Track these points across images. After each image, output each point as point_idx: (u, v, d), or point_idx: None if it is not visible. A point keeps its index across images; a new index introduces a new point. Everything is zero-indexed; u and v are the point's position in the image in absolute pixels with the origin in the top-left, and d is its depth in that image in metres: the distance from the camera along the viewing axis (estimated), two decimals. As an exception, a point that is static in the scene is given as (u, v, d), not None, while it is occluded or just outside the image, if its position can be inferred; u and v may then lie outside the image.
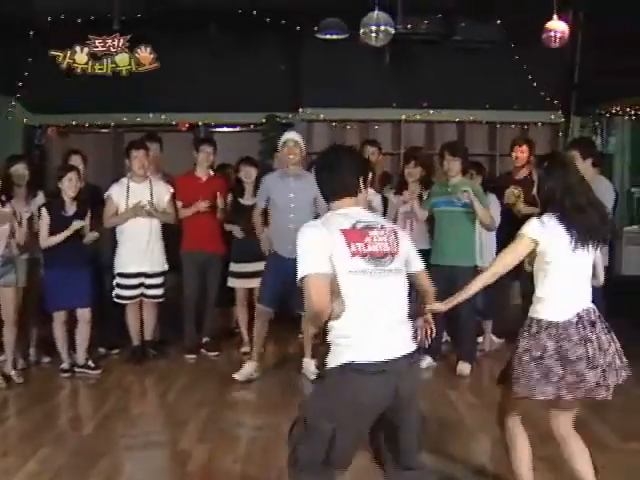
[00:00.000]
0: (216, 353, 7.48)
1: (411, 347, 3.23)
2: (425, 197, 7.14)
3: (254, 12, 9.35)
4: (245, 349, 7.31)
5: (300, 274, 3.10)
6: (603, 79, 9.41)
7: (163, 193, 7.18)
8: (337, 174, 3.37)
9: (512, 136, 9.44)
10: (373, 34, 8.04)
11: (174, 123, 10.71)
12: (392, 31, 8.07)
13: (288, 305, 6.62)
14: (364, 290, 3.13)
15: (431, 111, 10.73)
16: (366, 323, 3.11)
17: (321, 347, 6.50)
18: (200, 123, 10.79)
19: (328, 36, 9.34)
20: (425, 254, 6.79)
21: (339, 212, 3.30)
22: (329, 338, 3.20)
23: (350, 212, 3.30)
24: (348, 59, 9.89)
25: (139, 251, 7.03)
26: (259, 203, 6.77)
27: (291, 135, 6.64)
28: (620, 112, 10.52)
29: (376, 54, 9.48)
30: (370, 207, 7.46)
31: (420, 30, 9.70)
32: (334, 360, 3.14)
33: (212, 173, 7.51)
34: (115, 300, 7.19)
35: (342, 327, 3.13)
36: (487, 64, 10.18)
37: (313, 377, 6.58)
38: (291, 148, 6.49)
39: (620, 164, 11.15)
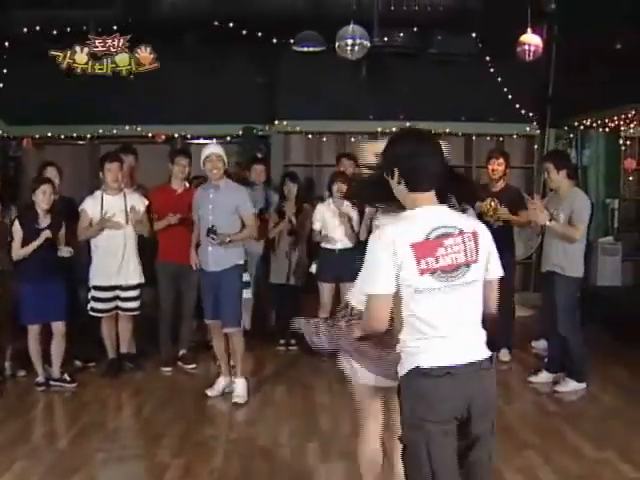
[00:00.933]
0: (193, 366, 7.45)
1: (482, 354, 3.01)
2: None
3: (231, 24, 9.35)
4: (220, 364, 7.27)
5: (363, 290, 2.98)
6: (577, 92, 9.50)
7: (138, 205, 7.16)
8: (423, 159, 3.00)
9: (488, 148, 9.54)
10: (349, 47, 8.10)
11: (150, 135, 10.69)
12: (368, 44, 8.13)
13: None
14: (431, 307, 2.90)
15: (407, 123, 10.72)
16: (432, 335, 2.91)
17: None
18: (176, 135, 10.78)
19: (305, 49, 9.37)
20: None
21: (417, 213, 2.97)
22: (397, 349, 3.01)
23: (429, 213, 2.97)
24: (325, 71, 9.92)
25: (114, 264, 7.01)
26: (194, 217, 6.72)
27: (214, 149, 6.49)
28: (594, 125, 10.62)
29: (352, 67, 9.50)
30: (349, 222, 7.53)
31: (396, 43, 9.74)
32: (402, 369, 2.97)
33: (187, 185, 7.49)
34: (90, 313, 7.15)
35: (407, 340, 2.95)
36: (463, 77, 10.23)
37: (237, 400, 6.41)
38: (214, 162, 6.38)
39: (595, 175, 11.27)
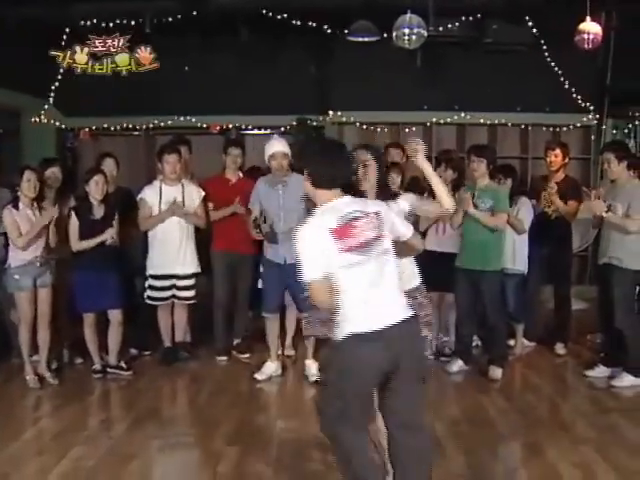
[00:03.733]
0: (247, 355, 7.49)
1: (407, 313, 3.58)
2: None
3: (285, 14, 9.36)
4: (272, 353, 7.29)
5: (304, 279, 3.51)
6: (636, 81, 9.33)
7: (195, 196, 7.22)
8: (330, 162, 3.64)
9: (544, 139, 9.42)
10: (406, 37, 8.04)
11: (205, 126, 10.76)
12: (425, 34, 8.06)
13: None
14: (356, 278, 3.48)
15: (462, 114, 10.70)
16: (361, 303, 3.49)
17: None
18: (230, 126, 10.83)
19: (359, 39, 9.33)
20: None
21: (327, 207, 3.58)
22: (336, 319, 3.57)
23: (337, 205, 3.58)
24: (379, 62, 9.86)
25: (171, 253, 7.07)
26: (252, 207, 6.75)
27: (279, 147, 6.53)
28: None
29: (407, 57, 9.43)
30: (401, 211, 7.47)
31: (451, 32, 9.65)
32: (337, 336, 3.55)
33: (241, 175, 7.53)
34: (147, 302, 7.24)
35: (341, 309, 3.51)
36: (519, 66, 10.10)
37: (313, 379, 6.59)
38: (279, 160, 6.46)
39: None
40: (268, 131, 10.61)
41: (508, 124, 10.84)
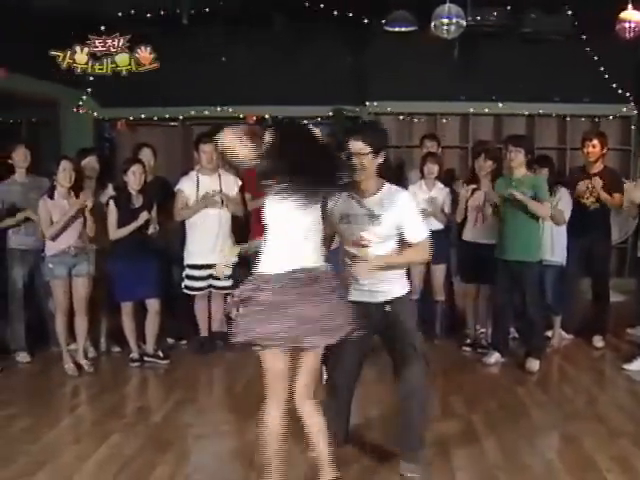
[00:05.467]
0: (283, 345, 7.48)
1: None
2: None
3: (321, 4, 9.34)
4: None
5: (425, 235, 4.25)
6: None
7: (232, 185, 7.23)
8: None
9: (582, 129, 9.30)
10: (445, 27, 7.97)
11: (241, 116, 10.76)
12: (464, 24, 7.99)
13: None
14: None
15: (500, 104, 10.60)
16: None
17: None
18: (267, 116, 10.83)
19: (396, 29, 9.28)
20: (493, 249, 6.79)
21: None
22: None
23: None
24: (416, 52, 9.80)
25: (208, 243, 7.07)
26: None
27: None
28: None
29: (444, 47, 9.36)
30: (435, 202, 7.43)
31: (489, 22, 9.58)
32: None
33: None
34: (184, 291, 7.27)
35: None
36: (557, 56, 10.00)
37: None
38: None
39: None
40: (305, 122, 10.56)
41: (546, 114, 10.73)
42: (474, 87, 10.32)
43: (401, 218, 4.14)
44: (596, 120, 10.69)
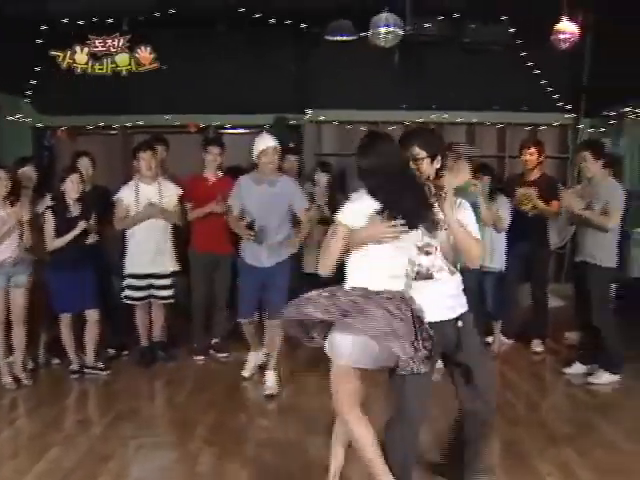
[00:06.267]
0: (225, 354, 7.48)
1: None
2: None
3: (262, 13, 9.35)
4: (252, 351, 7.25)
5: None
6: (613, 80, 9.37)
7: (172, 194, 7.19)
8: None
9: (521, 137, 9.43)
10: (382, 35, 8.05)
11: (183, 125, 10.70)
12: (401, 32, 8.07)
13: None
14: None
15: (440, 113, 10.71)
16: None
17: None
18: (209, 125, 10.79)
19: (337, 37, 9.32)
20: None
21: None
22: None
23: None
24: (357, 60, 9.85)
25: (149, 252, 7.04)
26: (231, 206, 6.56)
27: (271, 142, 6.29)
28: (631, 113, 10.47)
29: (385, 56, 9.45)
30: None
31: (429, 31, 9.66)
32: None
33: (220, 174, 7.49)
34: (124, 301, 7.20)
35: None
36: (496, 65, 10.15)
37: (269, 392, 6.39)
38: (270, 156, 6.25)
39: (630, 165, 11.10)
40: (247, 130, 10.57)
41: (485, 123, 10.87)
42: (415, 95, 10.42)
43: (464, 218, 4.02)
44: (534, 129, 10.86)
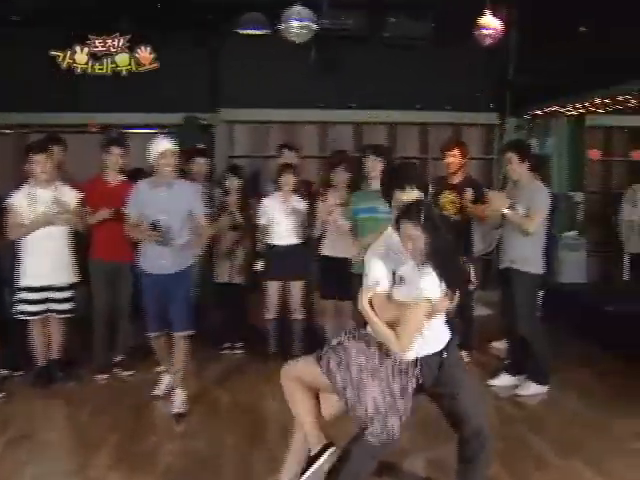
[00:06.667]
0: (130, 372, 7.38)
1: None
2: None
3: (171, 6, 9.29)
4: (162, 368, 7.18)
5: None
6: (539, 78, 9.57)
7: (70, 198, 7.05)
8: None
9: (445, 138, 9.56)
10: (294, 30, 8.07)
11: (83, 124, 10.54)
12: (314, 27, 8.09)
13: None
14: None
15: (359, 112, 10.78)
16: None
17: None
18: (113, 124, 10.63)
19: (249, 31, 9.31)
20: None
21: None
22: None
23: None
24: (272, 56, 9.88)
25: (45, 263, 6.87)
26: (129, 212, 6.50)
27: (169, 145, 6.29)
28: (557, 112, 10.69)
29: (301, 51, 9.48)
30: (295, 211, 7.52)
31: (347, 26, 9.71)
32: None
33: (122, 178, 7.38)
34: (18, 317, 7.02)
35: None
36: (418, 62, 10.30)
37: (177, 411, 6.36)
38: (169, 159, 6.23)
39: (558, 167, 11.33)
40: (154, 130, 10.47)
41: (407, 122, 10.98)
42: (333, 94, 10.48)
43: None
44: (458, 129, 11.03)
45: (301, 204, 7.60)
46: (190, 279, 6.53)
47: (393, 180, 4.25)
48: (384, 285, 3.94)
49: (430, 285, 3.79)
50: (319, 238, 7.47)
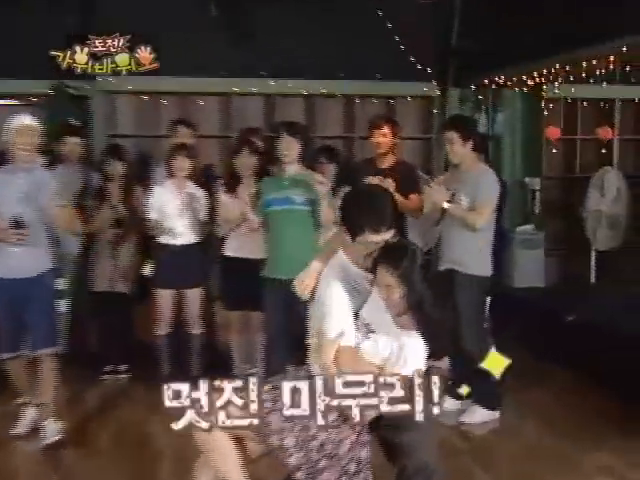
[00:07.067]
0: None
1: None
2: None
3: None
4: (23, 399, 6.99)
5: None
6: (488, 43, 9.62)
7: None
8: None
9: (374, 113, 9.61)
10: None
11: None
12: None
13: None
14: None
15: (271, 81, 10.75)
16: None
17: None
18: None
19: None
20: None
21: None
22: None
23: None
24: (164, 13, 9.83)
25: None
26: None
27: (27, 120, 6.22)
28: (510, 83, 10.79)
29: (199, 8, 9.48)
30: (193, 202, 7.48)
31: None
32: None
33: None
34: None
35: None
36: (343, 23, 10.31)
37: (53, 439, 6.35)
38: (26, 137, 6.14)
39: (510, 148, 11.45)
40: (11, 101, 10.33)
41: (330, 94, 11.04)
42: (238, 59, 10.40)
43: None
44: (391, 102, 11.11)
45: (199, 193, 7.55)
46: (53, 284, 6.44)
47: (363, 216, 4.00)
48: (349, 339, 3.88)
49: (415, 351, 3.84)
50: (222, 237, 7.43)
